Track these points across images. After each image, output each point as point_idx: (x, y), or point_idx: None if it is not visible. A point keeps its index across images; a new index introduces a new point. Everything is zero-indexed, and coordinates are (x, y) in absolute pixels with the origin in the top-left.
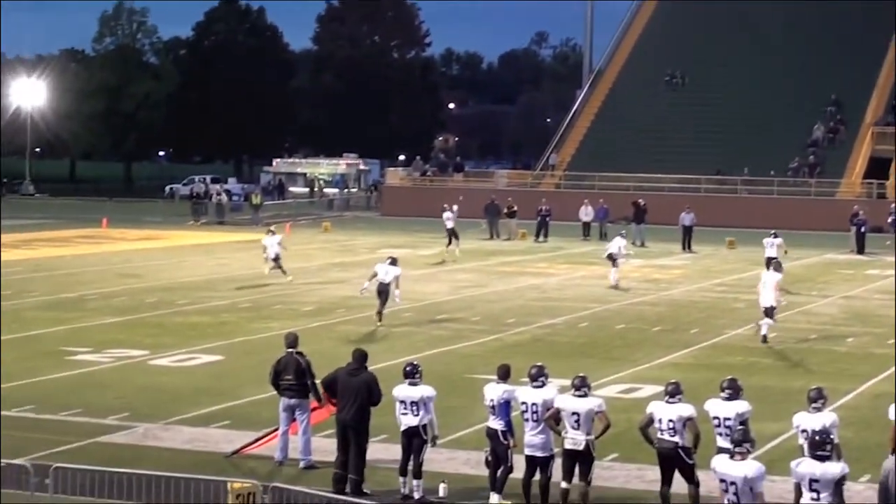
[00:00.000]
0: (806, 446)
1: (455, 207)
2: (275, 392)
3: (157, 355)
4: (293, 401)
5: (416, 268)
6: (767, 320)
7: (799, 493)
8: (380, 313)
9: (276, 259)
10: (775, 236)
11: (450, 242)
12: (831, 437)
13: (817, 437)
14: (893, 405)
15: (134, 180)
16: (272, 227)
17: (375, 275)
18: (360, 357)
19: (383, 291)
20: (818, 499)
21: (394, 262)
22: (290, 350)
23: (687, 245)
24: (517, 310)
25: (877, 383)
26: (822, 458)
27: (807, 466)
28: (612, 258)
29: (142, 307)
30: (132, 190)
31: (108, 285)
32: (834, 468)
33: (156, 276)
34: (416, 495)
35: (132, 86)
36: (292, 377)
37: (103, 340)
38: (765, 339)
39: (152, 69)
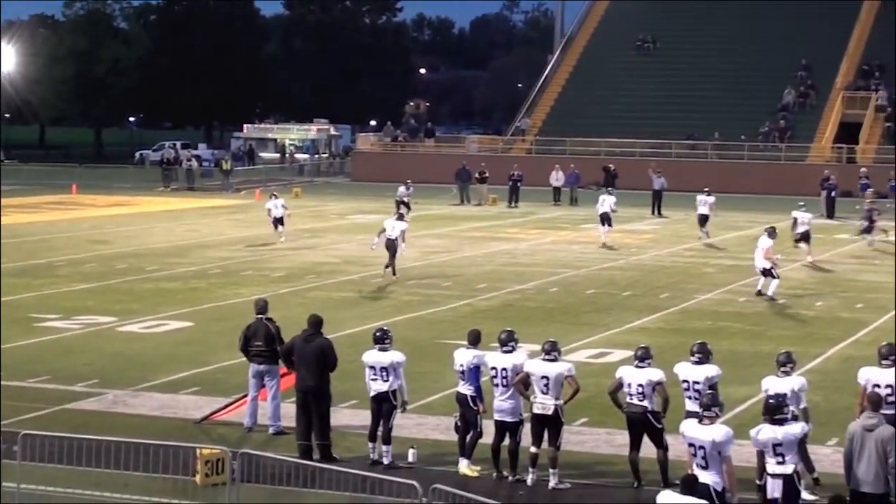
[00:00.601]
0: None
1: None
2: (244, 358)
3: (126, 322)
4: (262, 367)
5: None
6: (766, 280)
7: (762, 460)
8: (390, 266)
9: (280, 221)
10: (708, 194)
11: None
12: (787, 399)
13: (772, 402)
14: (861, 369)
15: (104, 146)
16: (275, 191)
17: (384, 230)
18: (315, 323)
19: (391, 246)
20: (784, 462)
21: (401, 217)
22: (260, 316)
23: (657, 210)
24: (487, 275)
25: (845, 347)
26: (780, 422)
27: (767, 432)
28: (605, 218)
29: (111, 273)
30: (102, 156)
31: (78, 252)
32: (794, 429)
33: (125, 243)
34: (386, 461)
35: (102, 51)
36: (262, 343)
37: (72, 307)
38: (771, 298)
39: (122, 34)
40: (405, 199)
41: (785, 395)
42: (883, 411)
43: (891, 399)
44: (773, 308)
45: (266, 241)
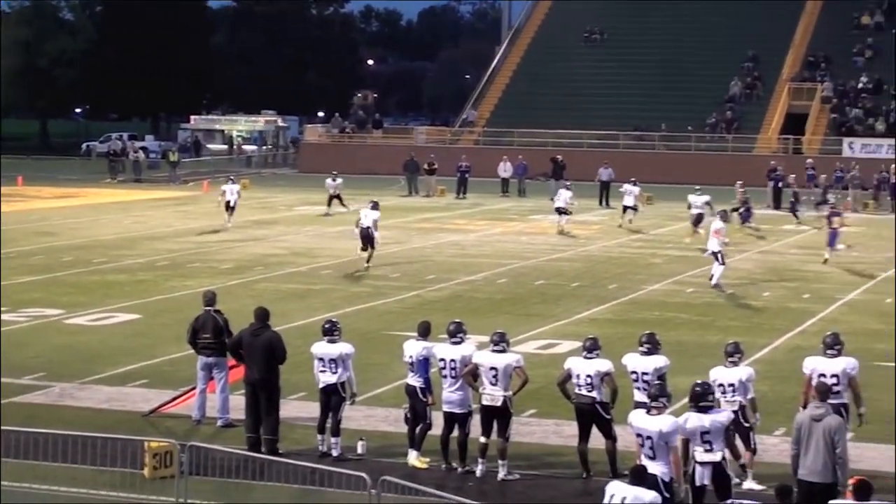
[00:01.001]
0: (688, 399)
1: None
2: (192, 351)
3: (73, 314)
4: (211, 359)
5: (334, 225)
6: (715, 265)
7: (687, 448)
8: (367, 254)
9: (231, 207)
10: (634, 184)
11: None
12: (713, 388)
13: (698, 389)
14: (807, 359)
15: (50, 137)
16: (232, 176)
17: (360, 220)
18: (262, 315)
19: (365, 236)
20: (711, 449)
21: (375, 206)
22: (208, 308)
23: (605, 201)
24: (436, 266)
25: (792, 337)
26: (706, 410)
27: (694, 421)
28: (561, 211)
29: (58, 266)
30: (48, 147)
31: (24, 244)
32: (721, 416)
33: (72, 235)
34: (335, 453)
35: (48, 42)
36: (210, 335)
37: (19, 299)
38: (716, 285)
39: (68, 25)
40: (337, 192)
41: (709, 383)
42: (830, 401)
43: (837, 389)
44: (721, 298)
45: (215, 230)
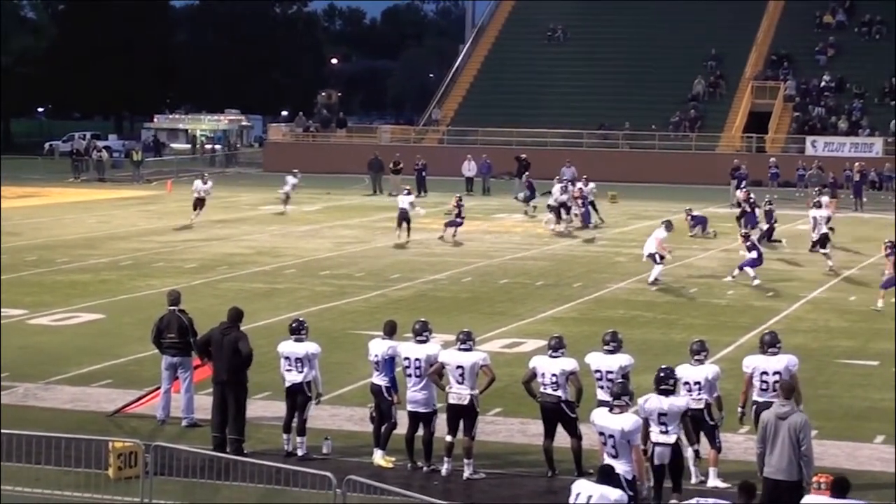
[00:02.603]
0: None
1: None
2: (157, 350)
3: (36, 314)
4: (175, 359)
5: (298, 224)
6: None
7: (647, 428)
8: (404, 233)
9: (201, 202)
10: (586, 182)
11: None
12: (675, 373)
13: (661, 374)
14: (747, 357)
15: (12, 136)
16: (205, 173)
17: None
18: (234, 316)
19: (403, 216)
20: (666, 431)
21: (409, 192)
22: (173, 308)
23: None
24: (401, 265)
25: (756, 335)
26: (666, 393)
27: (654, 402)
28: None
29: (21, 265)
30: (11, 146)
31: None
32: (679, 401)
33: (35, 234)
34: (300, 452)
35: (9, 41)
36: (175, 335)
37: None
38: (654, 281)
39: (30, 23)
40: (289, 192)
41: (673, 368)
42: (770, 398)
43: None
44: (685, 297)
45: (179, 228)
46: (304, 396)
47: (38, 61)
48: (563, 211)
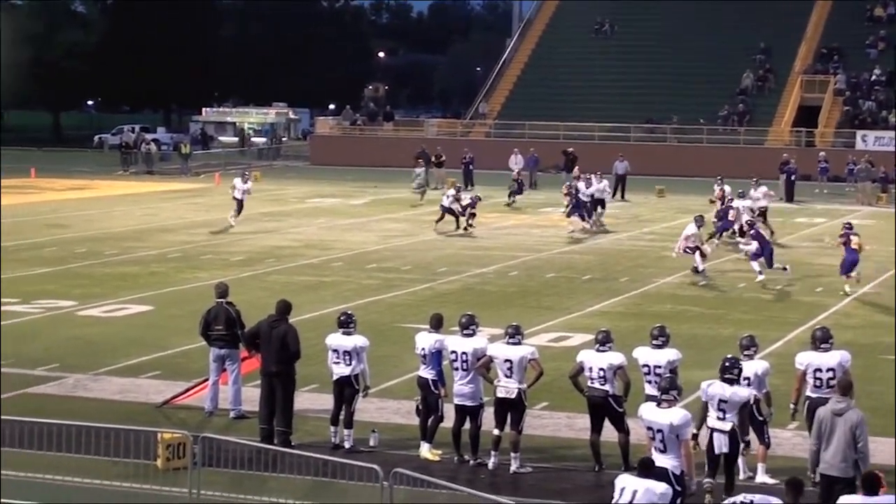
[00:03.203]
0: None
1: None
2: (205, 342)
3: (86, 306)
4: (223, 351)
5: (345, 217)
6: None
7: (705, 412)
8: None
9: (240, 205)
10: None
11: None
12: (740, 363)
13: (727, 363)
14: (799, 354)
15: (63, 130)
16: (246, 171)
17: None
18: (283, 309)
19: (448, 211)
20: (724, 418)
21: (458, 189)
22: (220, 300)
23: (621, 194)
24: (448, 259)
25: (805, 331)
26: (730, 381)
27: (717, 388)
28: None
29: (71, 258)
30: (61, 140)
31: (37, 235)
32: (742, 392)
33: (85, 227)
34: (347, 444)
35: (59, 34)
36: (222, 327)
37: (32, 291)
38: (699, 271)
39: (80, 17)
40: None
41: (738, 359)
42: (824, 395)
43: (833, 382)
44: (733, 292)
45: (221, 230)
46: (352, 389)
47: (87, 55)
48: (598, 207)
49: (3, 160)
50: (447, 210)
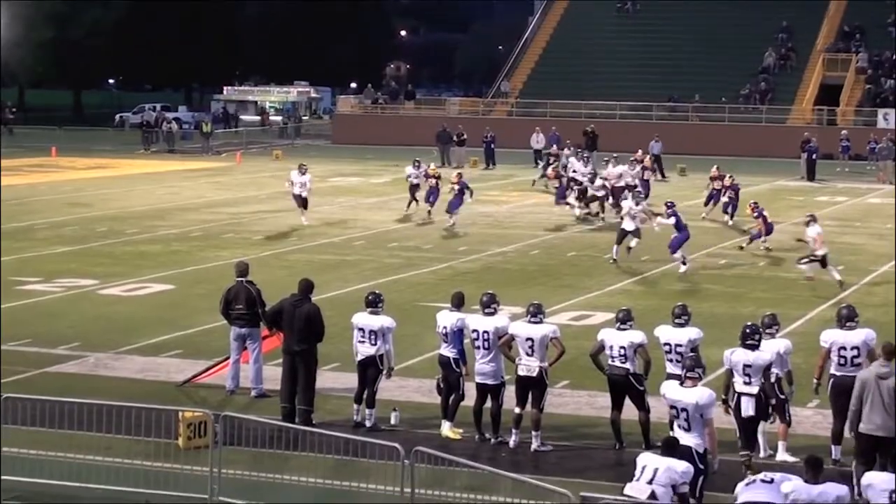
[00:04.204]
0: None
1: (306, 174)
2: (226, 321)
3: (107, 284)
4: (244, 330)
5: (367, 196)
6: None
7: (730, 378)
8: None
9: (303, 200)
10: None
11: None
12: (760, 329)
13: (748, 329)
14: (825, 332)
15: (84, 109)
16: (304, 163)
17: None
18: (306, 288)
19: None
20: (750, 382)
21: (418, 165)
22: (241, 279)
23: (660, 173)
24: (469, 238)
25: (825, 309)
26: (752, 347)
27: (740, 355)
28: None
29: (92, 236)
30: (82, 118)
31: (58, 214)
32: (764, 355)
33: (106, 205)
34: (368, 423)
35: (81, 13)
36: (243, 306)
37: (53, 270)
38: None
39: None
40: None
41: (758, 325)
42: (848, 373)
43: (858, 360)
44: (753, 270)
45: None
46: (376, 369)
47: (109, 34)
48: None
49: (24, 139)
50: (415, 187)
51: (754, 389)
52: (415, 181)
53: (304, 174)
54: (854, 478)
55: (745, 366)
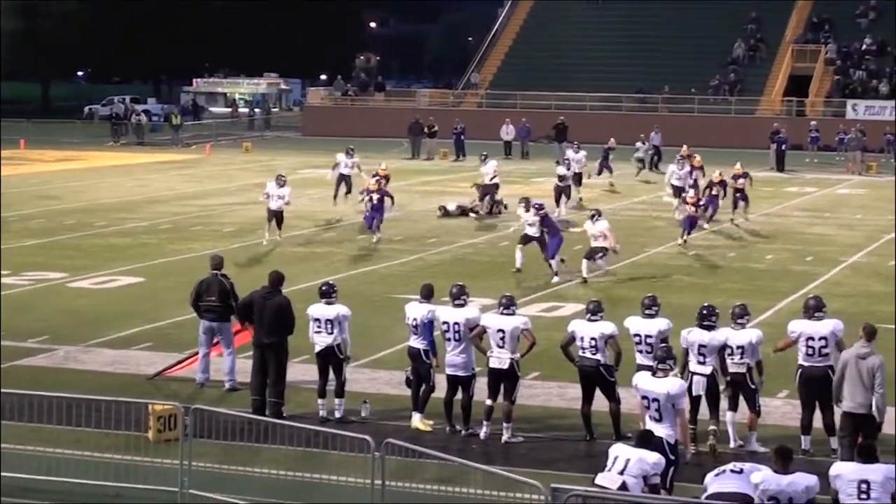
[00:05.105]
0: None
1: (354, 157)
2: (195, 313)
3: (76, 278)
4: (214, 323)
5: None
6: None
7: (686, 358)
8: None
9: (346, 181)
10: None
11: None
12: (717, 310)
13: (705, 311)
14: (792, 322)
15: (52, 101)
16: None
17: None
18: (276, 280)
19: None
20: (704, 362)
21: (351, 153)
22: (215, 272)
23: (655, 166)
24: (439, 229)
25: (795, 300)
26: (708, 328)
27: (696, 335)
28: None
29: (60, 229)
30: (50, 111)
31: (26, 207)
32: (720, 335)
33: (75, 198)
34: (338, 414)
35: (50, 5)
36: (215, 298)
37: (22, 263)
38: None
39: None
40: (349, 172)
41: (715, 306)
42: (816, 363)
43: (826, 351)
44: (723, 261)
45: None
46: (337, 359)
47: (78, 26)
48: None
49: None
50: (344, 177)
51: (707, 370)
52: (345, 171)
53: (282, 186)
54: (839, 456)
55: (701, 346)
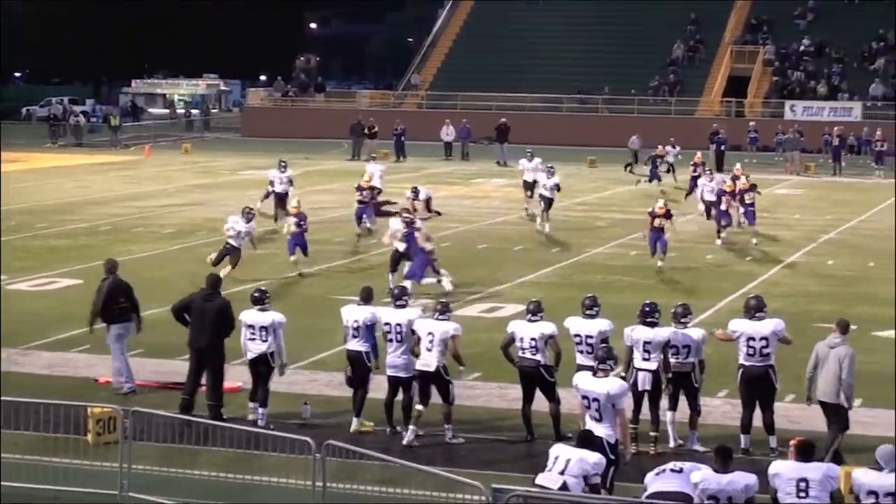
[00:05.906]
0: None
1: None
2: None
3: (16, 280)
4: (127, 323)
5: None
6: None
7: (630, 356)
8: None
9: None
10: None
11: None
12: (659, 307)
13: (647, 308)
14: (732, 321)
15: None
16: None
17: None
18: (214, 282)
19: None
20: (649, 359)
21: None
22: (113, 275)
23: (633, 169)
24: (380, 231)
25: (736, 299)
26: (651, 325)
27: (640, 332)
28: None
29: (2, 231)
30: None
31: None
32: (663, 332)
33: (14, 200)
34: (261, 422)
35: None
36: (124, 299)
37: None
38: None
39: None
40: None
41: (657, 303)
42: (757, 363)
43: (767, 351)
44: (665, 262)
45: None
46: (268, 367)
47: (15, 26)
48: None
49: None
50: (280, 197)
51: (653, 365)
52: (279, 189)
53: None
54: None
55: (646, 342)
